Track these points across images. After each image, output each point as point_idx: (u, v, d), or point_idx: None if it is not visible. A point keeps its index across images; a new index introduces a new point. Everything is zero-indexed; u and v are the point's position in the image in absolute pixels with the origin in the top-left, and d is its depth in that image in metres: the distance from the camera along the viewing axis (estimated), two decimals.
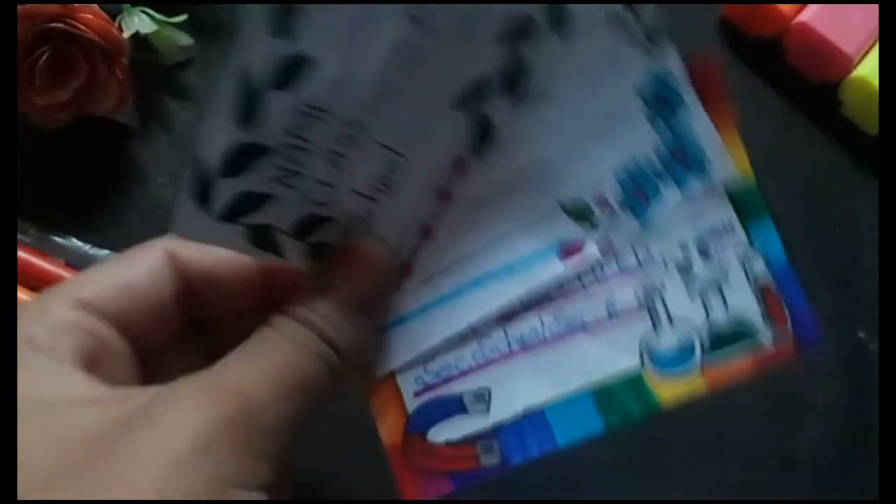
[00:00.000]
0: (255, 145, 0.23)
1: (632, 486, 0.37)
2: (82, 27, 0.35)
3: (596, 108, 0.28)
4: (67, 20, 0.35)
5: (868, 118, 0.40)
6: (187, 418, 0.21)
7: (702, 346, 0.28)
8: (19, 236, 0.37)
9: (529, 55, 0.27)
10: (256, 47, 0.22)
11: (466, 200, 0.28)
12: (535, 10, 0.26)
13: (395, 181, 0.26)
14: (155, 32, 0.39)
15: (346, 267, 0.26)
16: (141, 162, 0.39)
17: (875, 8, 0.40)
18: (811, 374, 0.36)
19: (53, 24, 0.35)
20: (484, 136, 0.27)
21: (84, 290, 0.25)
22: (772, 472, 0.37)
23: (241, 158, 0.23)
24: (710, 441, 0.37)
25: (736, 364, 0.28)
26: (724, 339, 0.28)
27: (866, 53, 0.40)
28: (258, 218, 0.25)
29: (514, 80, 0.27)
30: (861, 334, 0.37)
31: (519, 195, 0.28)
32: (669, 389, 0.28)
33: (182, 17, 0.39)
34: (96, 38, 0.36)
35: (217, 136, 0.23)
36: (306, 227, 0.26)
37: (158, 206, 0.38)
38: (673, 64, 0.29)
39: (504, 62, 0.26)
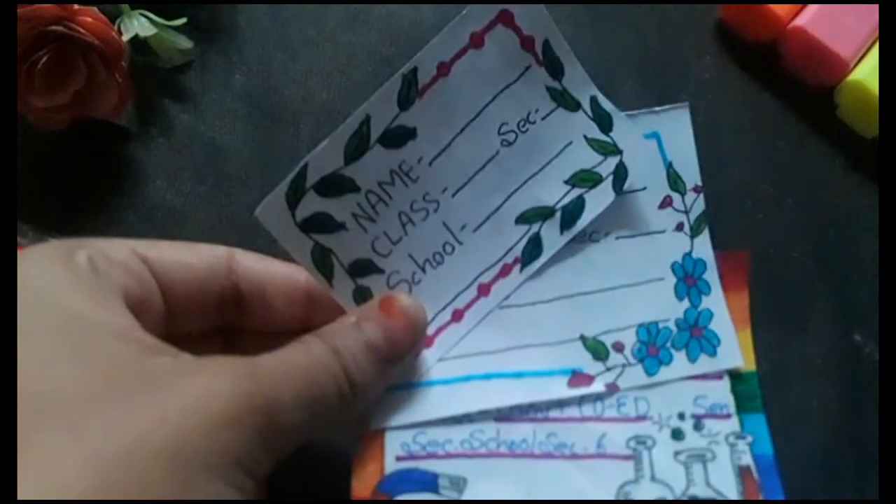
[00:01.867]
0: (349, 180, 0.28)
1: None
2: (82, 30, 0.35)
3: (635, 266, 0.32)
4: (67, 23, 0.35)
5: (864, 121, 0.41)
6: (223, 389, 0.23)
7: None
8: (18, 239, 0.37)
9: (589, 200, 0.32)
10: (382, 106, 0.28)
11: (500, 301, 0.31)
12: (604, 169, 0.31)
13: (446, 260, 0.30)
14: (154, 35, 0.39)
15: (384, 315, 0.28)
16: (140, 164, 0.39)
17: (871, 12, 0.40)
18: (807, 376, 0.36)
19: (53, 27, 0.35)
20: (534, 253, 0.31)
21: (148, 249, 0.27)
22: None
23: (335, 185, 0.28)
24: None
25: None
26: None
27: (862, 57, 0.41)
28: (327, 240, 0.28)
29: (573, 218, 0.32)
30: (858, 337, 0.37)
31: (547, 315, 0.32)
32: None
33: (181, 21, 0.39)
34: (95, 41, 0.36)
35: (327, 158, 0.28)
36: (360, 269, 0.29)
37: (157, 209, 0.38)
38: (706, 251, 0.33)
39: (570, 200, 0.31)
